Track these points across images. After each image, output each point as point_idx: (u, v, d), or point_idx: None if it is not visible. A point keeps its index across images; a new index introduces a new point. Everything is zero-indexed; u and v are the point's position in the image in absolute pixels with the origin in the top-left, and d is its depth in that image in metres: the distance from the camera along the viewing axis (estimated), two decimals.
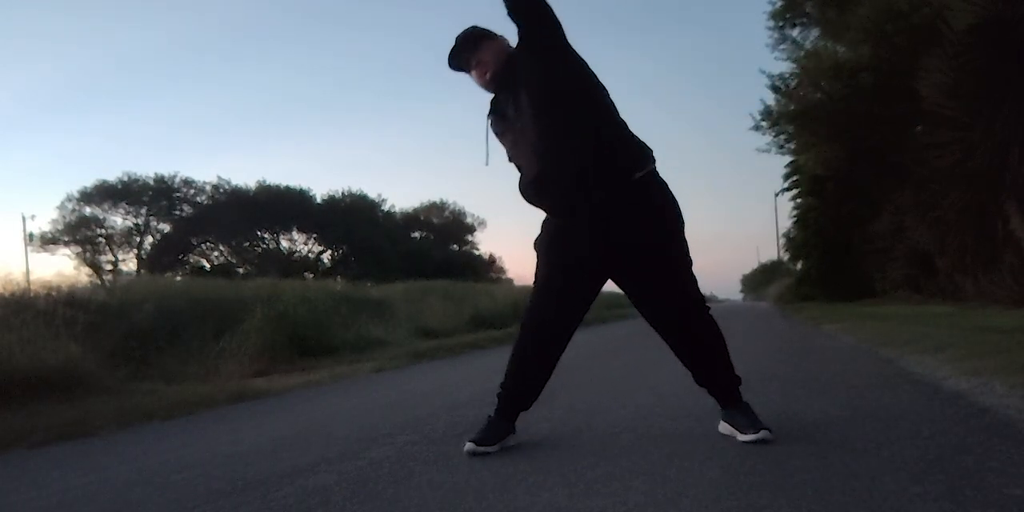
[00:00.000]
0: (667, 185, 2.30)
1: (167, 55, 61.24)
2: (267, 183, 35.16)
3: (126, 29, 59.04)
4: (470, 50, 2.38)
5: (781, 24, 15.50)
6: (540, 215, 2.39)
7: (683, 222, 2.31)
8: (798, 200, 19.73)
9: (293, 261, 33.57)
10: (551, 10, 2.20)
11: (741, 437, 2.19)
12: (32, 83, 54.43)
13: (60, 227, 32.48)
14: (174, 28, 59.86)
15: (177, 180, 33.89)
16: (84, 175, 66.49)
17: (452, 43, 2.40)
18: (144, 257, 33.19)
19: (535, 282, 2.37)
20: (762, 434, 2.15)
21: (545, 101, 2.23)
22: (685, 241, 2.31)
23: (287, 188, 35.19)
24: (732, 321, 12.05)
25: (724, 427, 2.32)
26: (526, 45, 2.27)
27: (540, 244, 2.37)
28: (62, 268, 33.11)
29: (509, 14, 2.20)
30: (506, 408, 2.41)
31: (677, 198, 2.31)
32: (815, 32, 15.41)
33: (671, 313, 2.31)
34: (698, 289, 2.34)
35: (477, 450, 2.27)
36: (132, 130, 57.61)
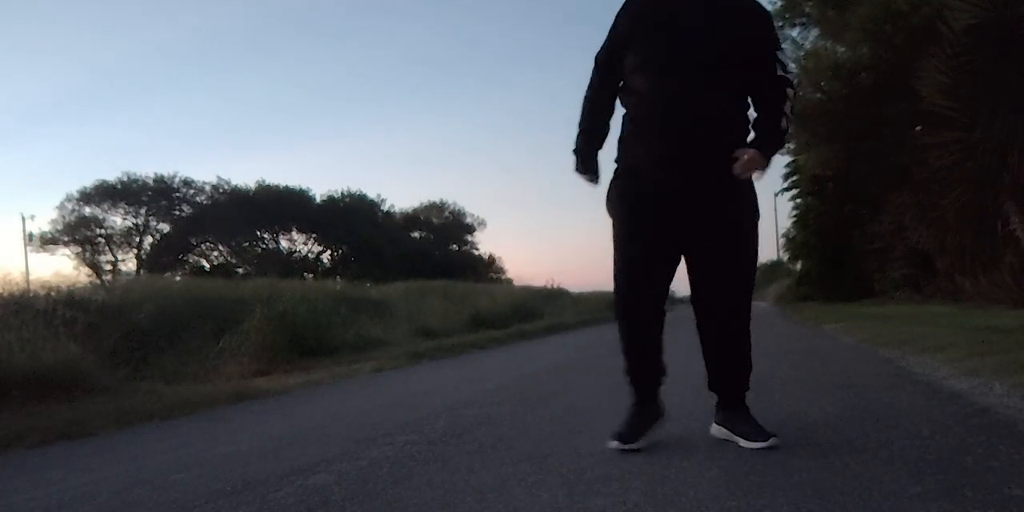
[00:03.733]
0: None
1: (167, 56, 61.20)
2: (267, 183, 35.22)
3: (127, 30, 59.00)
4: None
5: (781, 24, 15.50)
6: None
7: (759, 215, 2.28)
8: (797, 200, 19.74)
9: (293, 261, 33.58)
10: None
11: (747, 444, 2.13)
12: (32, 84, 54.48)
13: (59, 227, 32.48)
14: (174, 30, 59.84)
15: (176, 180, 33.90)
16: (84, 175, 66.47)
17: None
18: (144, 257, 33.18)
19: (616, 249, 2.27)
20: (772, 441, 2.10)
21: (735, 53, 2.15)
22: (757, 237, 2.27)
23: (287, 188, 35.22)
24: None
25: (720, 431, 2.26)
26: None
27: (621, 208, 2.26)
28: (60, 268, 33.06)
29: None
30: (640, 391, 2.30)
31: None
32: (815, 32, 15.43)
33: (722, 309, 2.26)
34: (750, 296, 2.28)
35: (625, 447, 2.15)
36: (132, 130, 57.59)
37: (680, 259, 2.27)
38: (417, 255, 33.75)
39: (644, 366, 2.31)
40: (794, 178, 19.38)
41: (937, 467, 1.79)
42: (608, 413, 2.17)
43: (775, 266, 36.49)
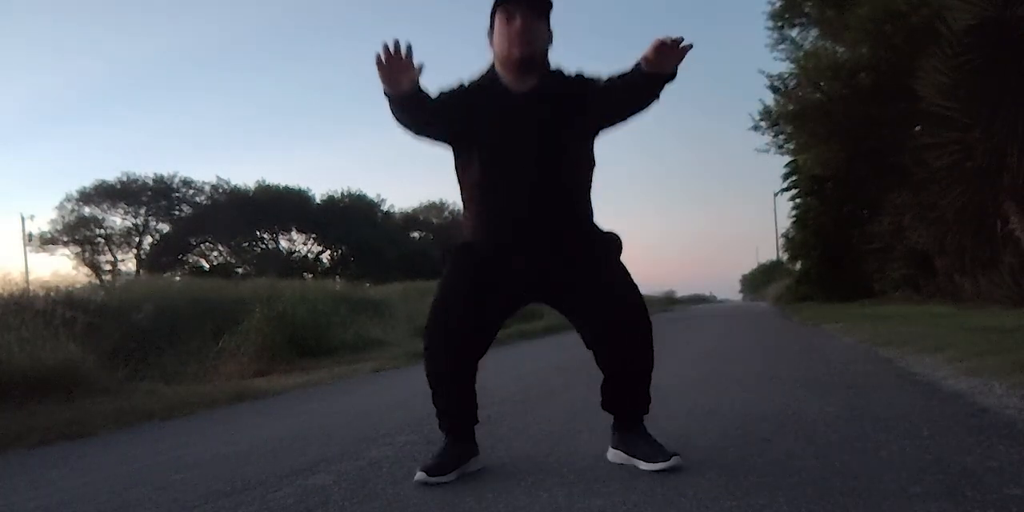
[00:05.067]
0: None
1: (167, 58, 61.25)
2: (266, 183, 35.17)
3: (127, 32, 59.06)
4: (546, 5, 2.09)
5: (780, 24, 15.47)
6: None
7: (621, 247, 2.15)
8: (797, 200, 19.72)
9: (292, 261, 33.53)
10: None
11: (647, 466, 1.95)
12: (33, 85, 54.49)
13: (59, 227, 32.46)
14: (175, 32, 59.91)
15: (176, 180, 33.87)
16: (83, 175, 66.41)
17: None
18: (143, 257, 33.16)
19: (442, 286, 2.14)
20: (673, 462, 1.92)
21: (572, 137, 2.08)
22: (621, 264, 2.13)
23: (286, 188, 35.17)
24: (731, 321, 12.06)
25: (616, 455, 2.08)
26: (612, 102, 2.07)
27: (458, 253, 2.15)
28: (60, 268, 33.04)
29: (641, 110, 2.06)
30: (453, 430, 2.14)
31: (618, 238, 2.16)
32: (814, 32, 15.39)
33: (618, 340, 2.05)
34: (639, 299, 2.09)
35: (429, 480, 1.98)
36: (132, 130, 57.62)
37: (521, 305, 2.19)
38: (417, 255, 33.66)
39: (458, 413, 2.14)
40: (793, 178, 19.37)
41: (937, 467, 1.79)
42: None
43: (774, 266, 36.50)
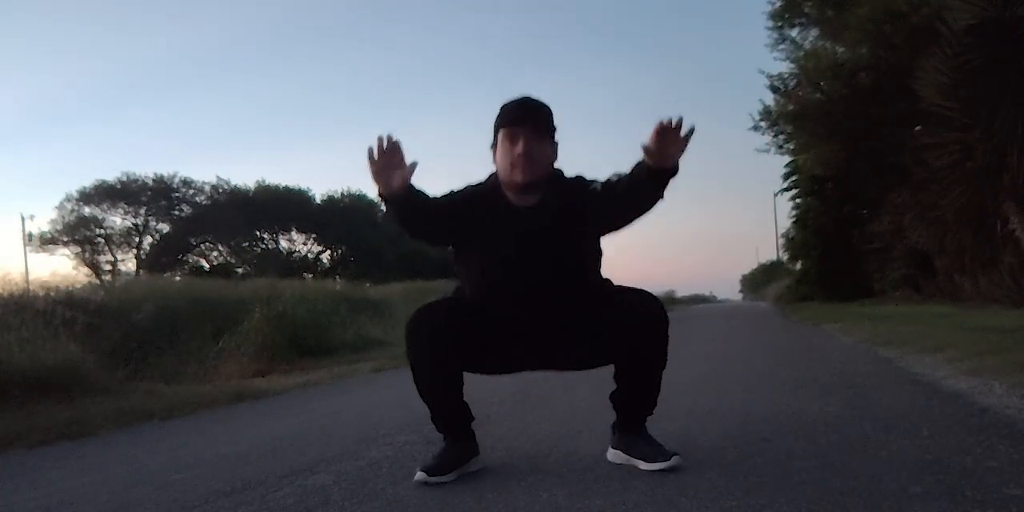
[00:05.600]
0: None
1: (168, 58, 61.26)
2: (266, 183, 35.17)
3: (127, 33, 59.04)
4: (547, 123, 2.09)
5: (780, 24, 15.47)
6: None
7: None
8: (797, 200, 19.72)
9: (292, 261, 33.53)
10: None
11: (647, 466, 1.95)
12: (33, 85, 54.49)
13: (59, 227, 32.45)
14: (175, 32, 59.91)
15: (176, 180, 33.86)
16: (83, 175, 66.42)
17: (521, 100, 2.09)
18: (143, 257, 33.15)
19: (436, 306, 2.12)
20: (673, 461, 1.93)
21: (576, 249, 2.08)
22: (614, 286, 2.14)
23: (286, 188, 35.17)
24: (732, 321, 12.06)
25: (616, 456, 2.09)
26: (607, 209, 2.04)
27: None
28: (60, 268, 33.04)
29: (645, 212, 2.01)
30: (451, 431, 2.14)
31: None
32: (814, 32, 15.39)
33: (637, 354, 2.05)
34: (654, 299, 2.06)
35: (429, 480, 1.99)
36: (132, 130, 57.63)
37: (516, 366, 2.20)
38: (417, 255, 33.63)
39: (447, 413, 2.13)
40: (793, 178, 19.37)
41: (937, 467, 1.79)
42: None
43: (775, 266, 36.50)
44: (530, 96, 2.10)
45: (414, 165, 1.95)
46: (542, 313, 2.06)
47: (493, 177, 2.12)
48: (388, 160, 1.92)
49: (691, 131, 1.86)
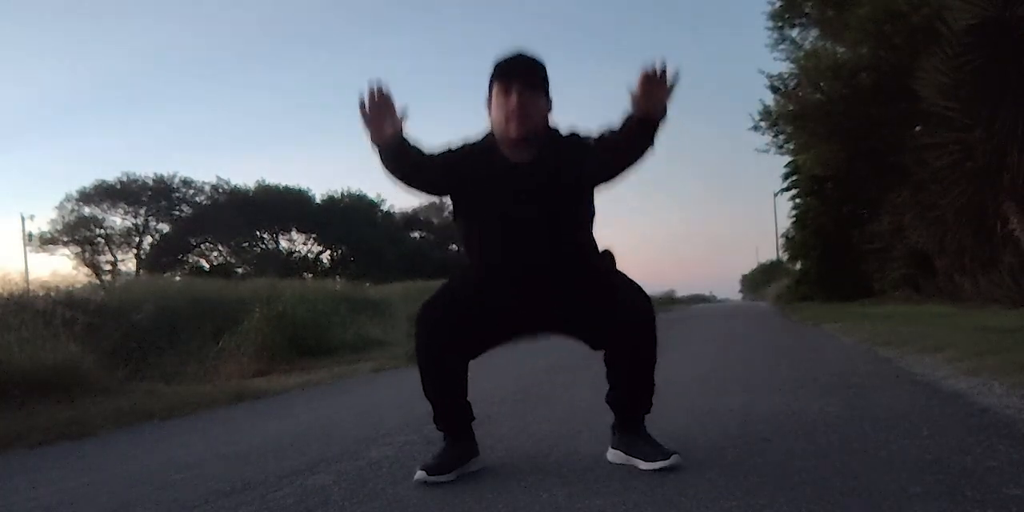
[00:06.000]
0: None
1: (168, 58, 61.25)
2: (266, 183, 35.22)
3: (128, 33, 59.06)
4: (541, 77, 2.09)
5: (780, 24, 15.46)
6: None
7: (615, 263, 2.16)
8: (797, 200, 19.72)
9: (292, 261, 33.56)
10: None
11: (647, 465, 1.95)
12: (34, 85, 54.50)
13: (59, 227, 32.47)
14: (176, 32, 59.91)
15: (176, 180, 33.90)
16: (83, 175, 66.41)
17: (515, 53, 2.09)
18: (143, 257, 33.17)
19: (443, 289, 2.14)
20: (673, 460, 1.93)
21: (572, 204, 2.10)
22: (619, 274, 2.12)
23: (286, 188, 35.21)
24: (732, 321, 12.06)
25: (616, 456, 2.08)
26: (603, 164, 2.05)
27: (460, 285, 2.16)
28: (60, 268, 33.03)
29: (637, 160, 2.02)
30: (451, 430, 2.15)
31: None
32: (814, 32, 15.38)
33: (627, 345, 2.05)
34: (645, 298, 2.08)
35: (429, 479, 1.99)
36: (132, 130, 57.63)
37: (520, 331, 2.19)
38: (417, 255, 33.70)
39: (449, 411, 2.14)
40: (793, 178, 19.37)
41: (937, 467, 1.79)
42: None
43: (774, 266, 36.48)
44: (523, 51, 2.11)
45: (405, 113, 1.96)
46: (540, 272, 2.05)
47: (489, 135, 2.13)
48: (379, 108, 1.93)
49: (676, 76, 1.87)
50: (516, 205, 2.05)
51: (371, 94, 1.92)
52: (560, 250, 2.07)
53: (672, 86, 1.89)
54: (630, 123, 1.94)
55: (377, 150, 2.03)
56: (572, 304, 2.07)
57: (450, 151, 2.14)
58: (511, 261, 2.07)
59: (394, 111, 1.96)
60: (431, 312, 2.08)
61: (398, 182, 2.12)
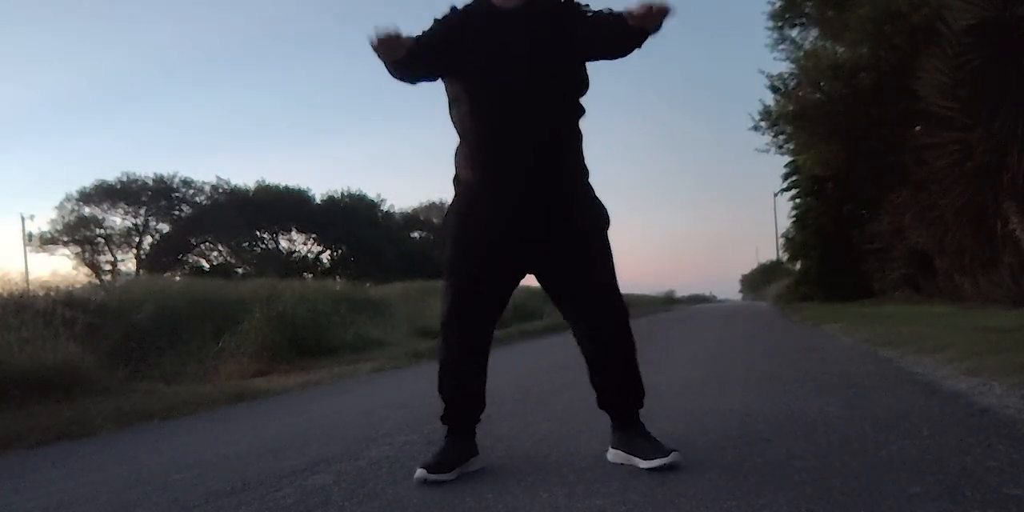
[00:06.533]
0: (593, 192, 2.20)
1: (168, 57, 61.24)
2: (266, 183, 35.14)
3: (128, 33, 59.07)
4: None
5: (780, 24, 15.47)
6: None
7: (608, 222, 2.18)
8: (797, 200, 19.69)
9: (292, 261, 33.53)
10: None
11: (646, 464, 1.95)
12: (34, 85, 54.48)
13: (59, 227, 32.43)
14: (176, 32, 59.91)
15: (176, 180, 33.85)
16: (83, 175, 66.39)
17: None
18: (143, 257, 33.14)
19: (447, 271, 2.15)
20: (672, 458, 1.93)
21: (564, 54, 2.08)
22: (607, 240, 2.15)
23: (286, 188, 35.16)
24: (731, 321, 12.06)
25: (616, 455, 2.08)
26: (604, 44, 2.07)
27: (455, 222, 2.16)
28: (60, 268, 33.02)
29: (622, 54, 2.07)
30: (455, 424, 2.17)
31: (608, 204, 2.19)
32: (814, 32, 15.39)
33: (596, 325, 2.11)
34: (617, 292, 2.13)
35: (430, 478, 1.99)
36: (132, 130, 57.61)
37: (518, 281, 2.19)
38: (417, 255, 33.67)
39: (462, 397, 2.18)
40: (793, 178, 19.35)
41: (937, 467, 1.79)
42: (605, 412, 2.16)
43: (774, 266, 36.47)
44: None
45: (410, 37, 1.98)
46: (534, 165, 2.05)
47: None
48: (387, 44, 1.94)
49: (671, 10, 1.90)
50: (507, 51, 2.04)
51: (380, 38, 1.92)
52: (551, 108, 2.06)
53: (668, 11, 1.91)
54: (624, 25, 1.96)
55: (387, 66, 2.04)
56: (559, 239, 2.07)
57: (444, 17, 2.14)
58: (504, 121, 2.04)
59: (402, 41, 1.95)
60: (455, 279, 2.11)
61: (400, 79, 2.13)
